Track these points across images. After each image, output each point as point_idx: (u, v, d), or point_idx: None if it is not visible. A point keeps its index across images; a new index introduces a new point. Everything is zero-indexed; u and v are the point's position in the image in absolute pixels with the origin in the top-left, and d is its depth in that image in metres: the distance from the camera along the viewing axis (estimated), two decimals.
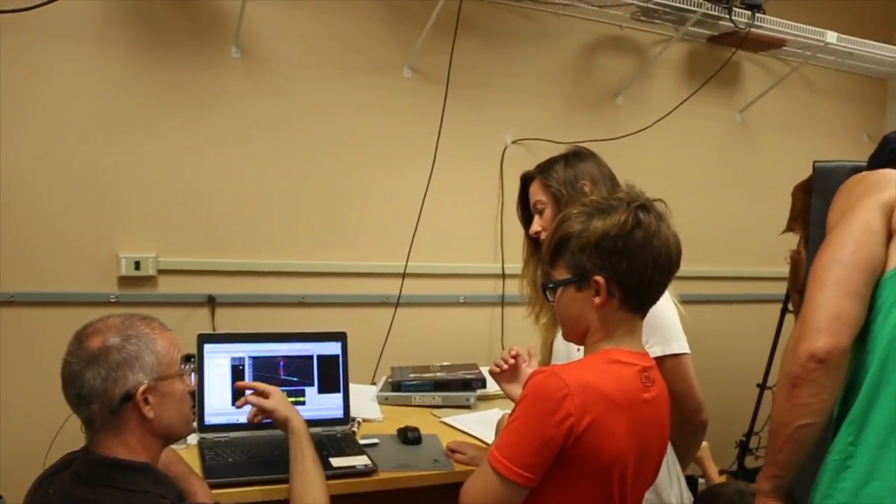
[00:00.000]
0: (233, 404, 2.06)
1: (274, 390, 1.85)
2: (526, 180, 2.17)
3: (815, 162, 2.61)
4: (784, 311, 3.50)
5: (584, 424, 1.35)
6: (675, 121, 3.52)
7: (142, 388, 1.42)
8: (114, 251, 2.75)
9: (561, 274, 1.51)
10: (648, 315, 1.62)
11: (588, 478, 1.40)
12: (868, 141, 4.21)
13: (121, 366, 1.41)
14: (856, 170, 2.53)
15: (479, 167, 3.27)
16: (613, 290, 1.44)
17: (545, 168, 2.08)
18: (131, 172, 2.75)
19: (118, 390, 1.40)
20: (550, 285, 1.53)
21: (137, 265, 2.75)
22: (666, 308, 1.82)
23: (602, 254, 1.43)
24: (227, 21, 2.79)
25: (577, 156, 2.08)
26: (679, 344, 1.80)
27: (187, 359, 1.57)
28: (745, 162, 3.91)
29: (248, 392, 1.87)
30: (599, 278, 1.44)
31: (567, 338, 1.58)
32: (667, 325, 1.80)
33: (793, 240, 2.89)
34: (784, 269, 2.96)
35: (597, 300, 1.45)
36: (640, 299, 1.48)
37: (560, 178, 2.01)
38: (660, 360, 1.66)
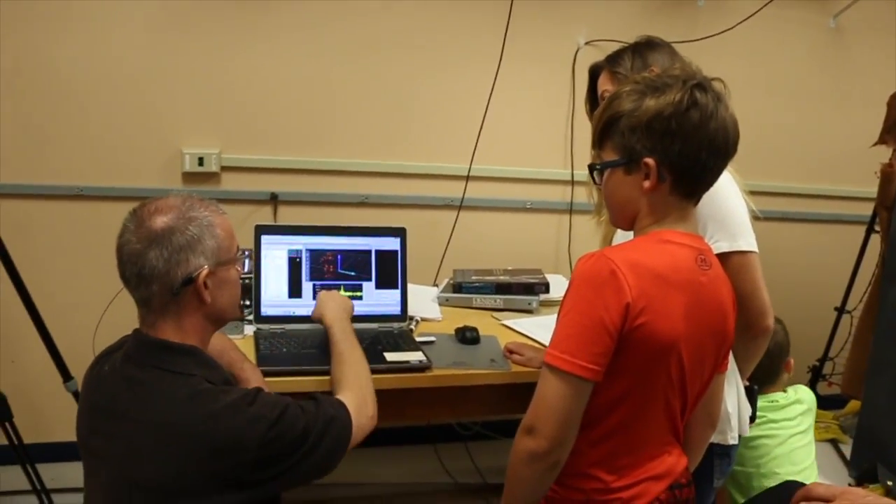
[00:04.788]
0: (289, 297, 2.06)
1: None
2: (594, 72, 2.09)
3: None
4: (870, 230, 3.36)
5: (639, 305, 1.28)
6: (761, 24, 3.31)
7: (203, 273, 1.40)
8: (178, 147, 2.76)
9: (609, 156, 1.42)
10: (715, 208, 1.53)
11: (646, 364, 1.33)
12: None
13: (183, 249, 1.39)
14: None
15: (548, 69, 3.15)
16: (664, 174, 1.36)
17: (613, 58, 1.99)
18: (194, 70, 2.74)
19: (180, 273, 1.39)
20: (598, 167, 1.45)
21: (201, 161, 2.75)
22: (735, 202, 1.69)
23: (653, 135, 1.34)
24: None
25: (648, 45, 1.97)
26: (747, 241, 1.67)
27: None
28: (838, 71, 3.66)
29: None
30: (650, 161, 1.35)
31: (614, 223, 1.52)
32: (735, 221, 1.67)
33: (884, 154, 2.71)
34: (871, 189, 2.76)
35: (646, 184, 1.37)
36: (692, 185, 1.39)
37: (628, 66, 1.91)
38: (725, 257, 1.57)
